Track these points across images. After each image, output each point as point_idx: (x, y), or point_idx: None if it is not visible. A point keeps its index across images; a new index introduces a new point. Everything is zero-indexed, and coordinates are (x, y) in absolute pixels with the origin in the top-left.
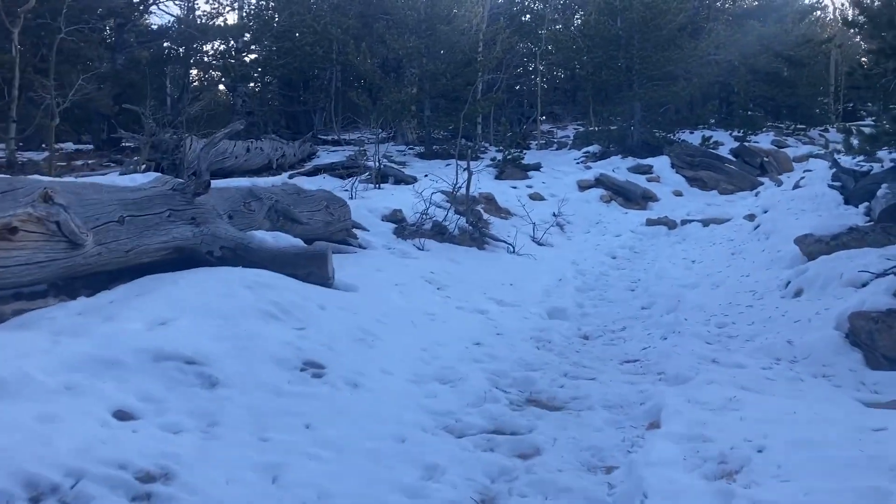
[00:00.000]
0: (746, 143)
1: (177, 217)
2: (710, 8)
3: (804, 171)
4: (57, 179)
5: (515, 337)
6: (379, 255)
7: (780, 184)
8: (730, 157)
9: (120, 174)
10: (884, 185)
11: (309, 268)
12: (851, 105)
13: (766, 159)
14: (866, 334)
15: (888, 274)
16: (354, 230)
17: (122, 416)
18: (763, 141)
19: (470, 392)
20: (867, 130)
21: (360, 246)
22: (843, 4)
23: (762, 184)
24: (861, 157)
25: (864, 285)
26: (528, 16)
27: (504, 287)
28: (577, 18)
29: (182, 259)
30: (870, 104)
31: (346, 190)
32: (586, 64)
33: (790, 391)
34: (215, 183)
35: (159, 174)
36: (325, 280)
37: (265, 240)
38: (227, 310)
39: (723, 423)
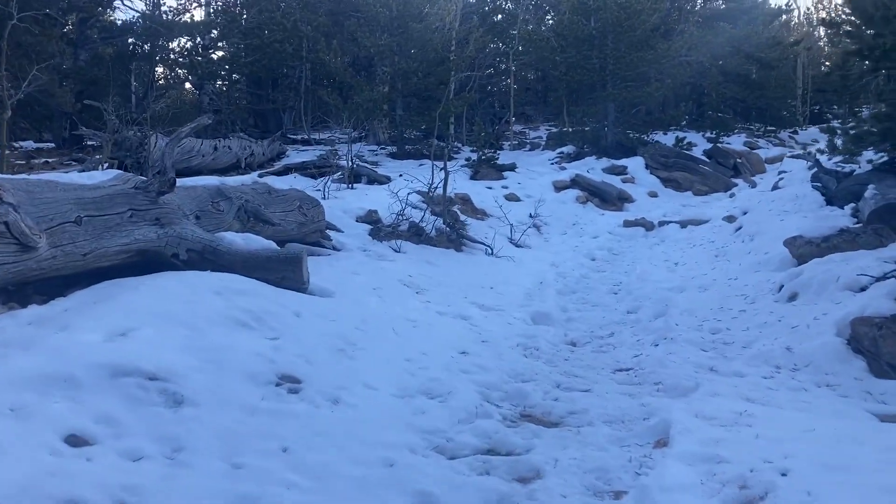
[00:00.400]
0: (719, 145)
1: (139, 217)
2: (680, 10)
3: (780, 172)
4: (6, 176)
5: (502, 344)
6: (354, 257)
7: (753, 185)
8: (703, 158)
9: (79, 172)
10: (871, 187)
11: (282, 272)
12: (818, 108)
13: (739, 160)
14: (870, 341)
15: (888, 277)
16: (328, 231)
17: (75, 441)
18: (735, 142)
19: (460, 407)
20: (852, 131)
21: (335, 248)
22: (808, 9)
23: (736, 185)
24: (840, 158)
25: (862, 289)
26: (499, 15)
27: (485, 290)
28: (548, 19)
29: (145, 262)
30: (835, 107)
31: (319, 190)
32: (560, 64)
33: (797, 403)
34: (181, 181)
35: (120, 171)
36: (299, 285)
37: (235, 242)
38: (193, 318)
39: (737, 441)
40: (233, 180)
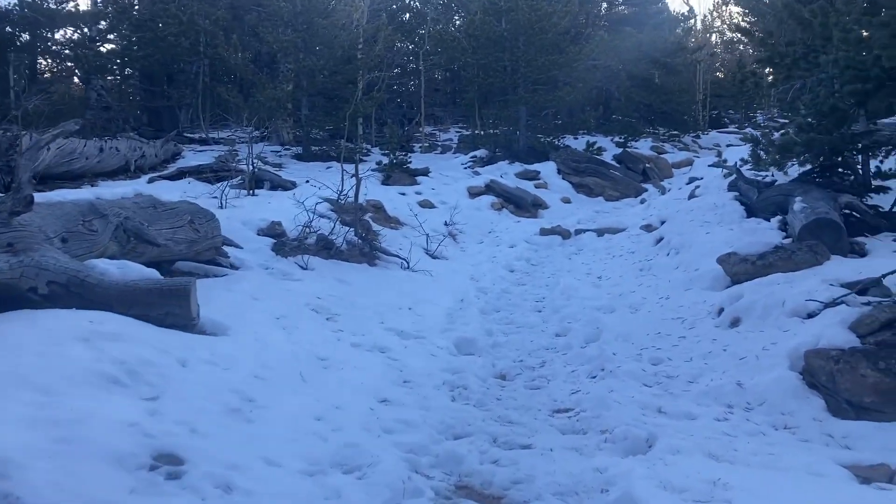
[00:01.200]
0: (628, 149)
1: None
2: (588, 14)
3: (692, 179)
4: None
5: (426, 384)
6: (255, 277)
7: (663, 190)
8: (613, 163)
9: None
10: (798, 199)
11: (166, 307)
12: (716, 112)
13: (648, 165)
14: (826, 376)
15: (838, 303)
16: (225, 247)
17: None
18: (642, 147)
19: (383, 483)
20: (777, 141)
21: (233, 266)
22: (705, 17)
23: (646, 190)
24: (760, 168)
25: (810, 315)
26: (408, 14)
27: (403, 312)
28: (456, 19)
29: None
30: (731, 111)
31: (215, 197)
32: (471, 65)
33: (762, 455)
34: (48, 196)
35: None
36: (187, 321)
37: (109, 271)
38: (48, 378)
39: None
40: (111, 193)
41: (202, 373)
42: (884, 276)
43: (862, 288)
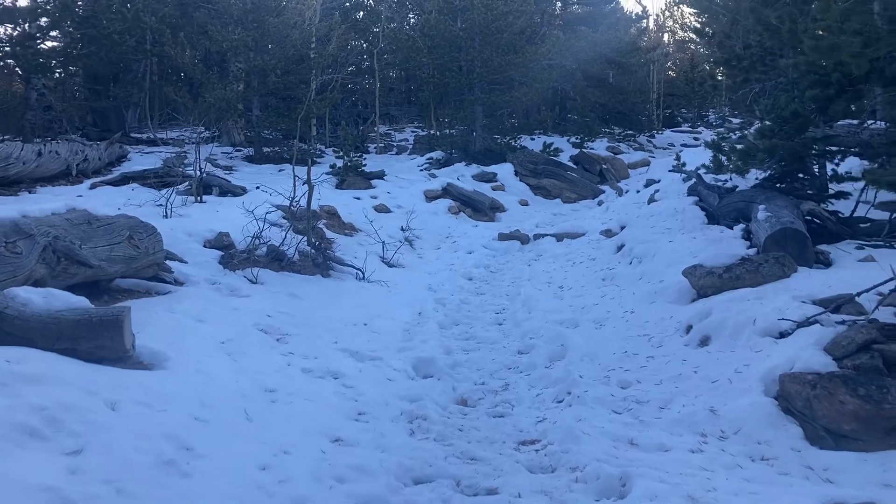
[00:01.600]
0: (585, 150)
1: None
2: (543, 14)
3: (649, 182)
4: None
5: (383, 416)
6: (200, 294)
7: (620, 192)
8: (570, 164)
9: None
10: (761, 207)
11: (96, 339)
12: (670, 111)
13: (604, 166)
14: (803, 402)
15: (812, 323)
16: (169, 261)
17: None
18: (598, 147)
19: None
20: (739, 146)
21: (177, 281)
22: (657, 17)
23: (603, 192)
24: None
25: (782, 334)
26: (361, 13)
27: (358, 329)
28: (410, 17)
29: None
30: (684, 110)
31: (161, 205)
32: (427, 65)
33: (744, 494)
34: None
35: None
36: (120, 354)
37: (31, 301)
38: None
39: None
40: (39, 210)
41: (134, 417)
42: (858, 293)
43: (836, 306)
